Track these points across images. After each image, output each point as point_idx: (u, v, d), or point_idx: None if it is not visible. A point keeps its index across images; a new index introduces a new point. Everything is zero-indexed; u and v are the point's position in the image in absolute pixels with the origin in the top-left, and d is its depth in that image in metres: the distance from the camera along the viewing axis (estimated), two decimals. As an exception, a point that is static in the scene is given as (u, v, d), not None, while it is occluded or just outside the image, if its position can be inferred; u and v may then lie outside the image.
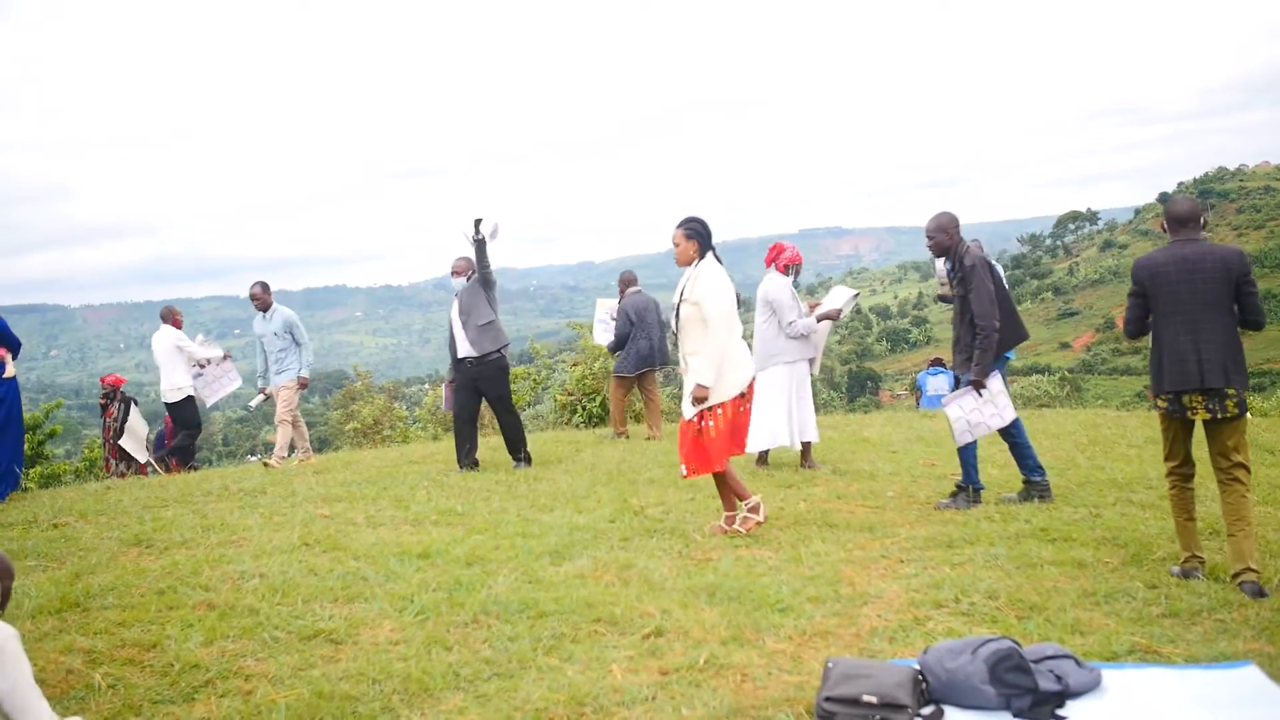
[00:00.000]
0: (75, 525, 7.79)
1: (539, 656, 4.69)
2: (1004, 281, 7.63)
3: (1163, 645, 4.66)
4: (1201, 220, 5.86)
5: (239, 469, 11.80)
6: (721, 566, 6.03)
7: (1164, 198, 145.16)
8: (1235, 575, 5.52)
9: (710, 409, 6.81)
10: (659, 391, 13.07)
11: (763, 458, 9.73)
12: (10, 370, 9.70)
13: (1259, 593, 5.35)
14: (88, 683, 4.49)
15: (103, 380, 14.89)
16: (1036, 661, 4.16)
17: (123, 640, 4.97)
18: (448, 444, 12.74)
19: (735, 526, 6.93)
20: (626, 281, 12.62)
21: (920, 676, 4.16)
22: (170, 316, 13.73)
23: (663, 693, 4.25)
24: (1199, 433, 5.90)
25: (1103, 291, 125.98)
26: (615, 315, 12.65)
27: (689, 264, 7.02)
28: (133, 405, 14.27)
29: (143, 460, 14.04)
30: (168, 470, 13.51)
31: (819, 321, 9.57)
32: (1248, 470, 5.71)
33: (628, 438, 12.53)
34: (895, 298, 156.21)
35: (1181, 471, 5.90)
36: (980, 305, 7.36)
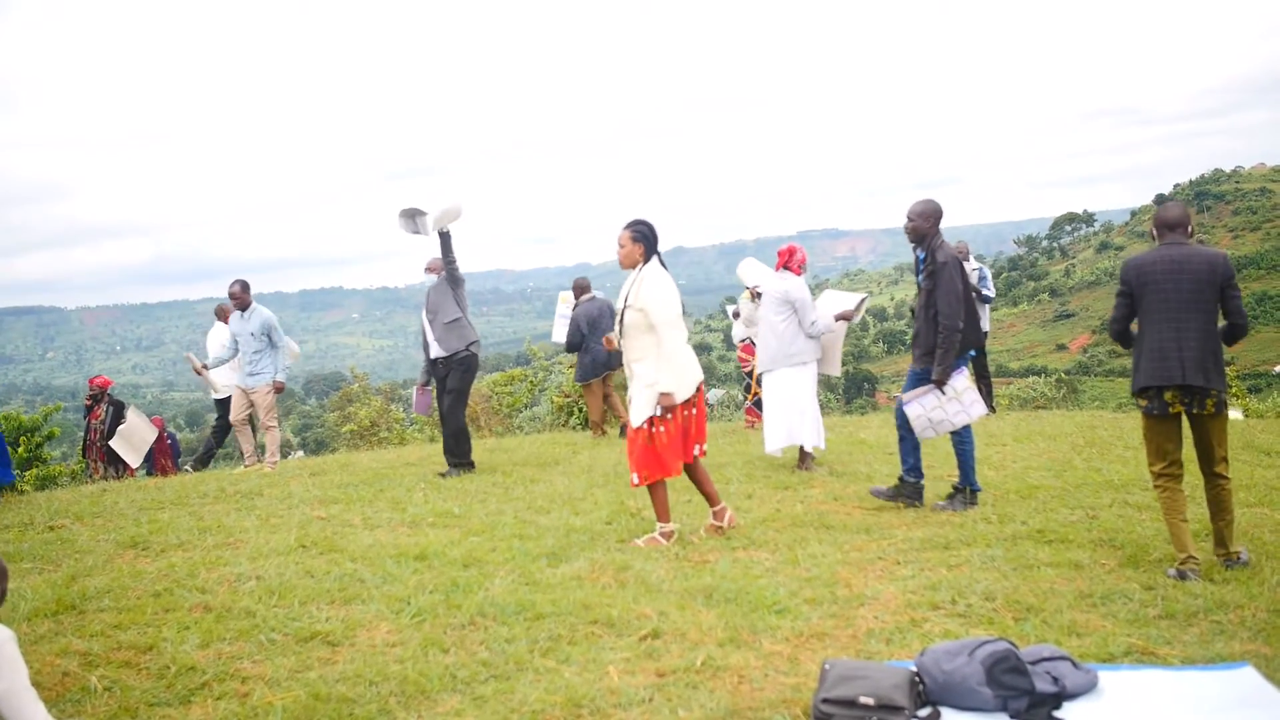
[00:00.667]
0: (71, 527, 7.79)
1: (536, 658, 4.69)
2: (970, 284, 7.62)
3: (1159, 646, 4.67)
4: (1189, 227, 6.04)
5: (236, 471, 11.78)
6: (718, 568, 6.03)
7: (1160, 199, 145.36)
8: (1218, 554, 5.96)
9: (660, 415, 6.67)
10: (614, 392, 13.18)
11: (804, 460, 9.64)
12: None
13: (1238, 561, 5.85)
14: (84, 685, 4.49)
15: (91, 381, 14.89)
16: (1033, 663, 4.17)
17: (119, 643, 4.97)
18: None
19: (651, 538, 6.79)
20: (580, 288, 12.70)
21: (917, 678, 4.16)
22: (223, 315, 13.65)
23: (659, 694, 4.25)
24: (1186, 431, 6.06)
25: (1099, 293, 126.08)
26: (567, 313, 12.74)
27: (633, 267, 6.87)
28: (129, 409, 14.26)
29: (134, 465, 14.04)
30: (163, 473, 13.52)
31: (835, 322, 9.76)
32: (1227, 464, 6.00)
33: (605, 434, 12.66)
34: (892, 299, 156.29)
35: (1169, 473, 6.01)
36: (946, 303, 7.33)
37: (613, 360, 12.28)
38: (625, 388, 7.27)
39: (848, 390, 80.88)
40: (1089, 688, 4.16)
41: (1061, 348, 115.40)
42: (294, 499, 8.69)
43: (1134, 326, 6.22)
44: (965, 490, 7.62)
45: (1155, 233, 6.12)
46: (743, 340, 12.65)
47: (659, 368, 6.63)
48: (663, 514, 6.85)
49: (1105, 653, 4.60)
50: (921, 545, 6.49)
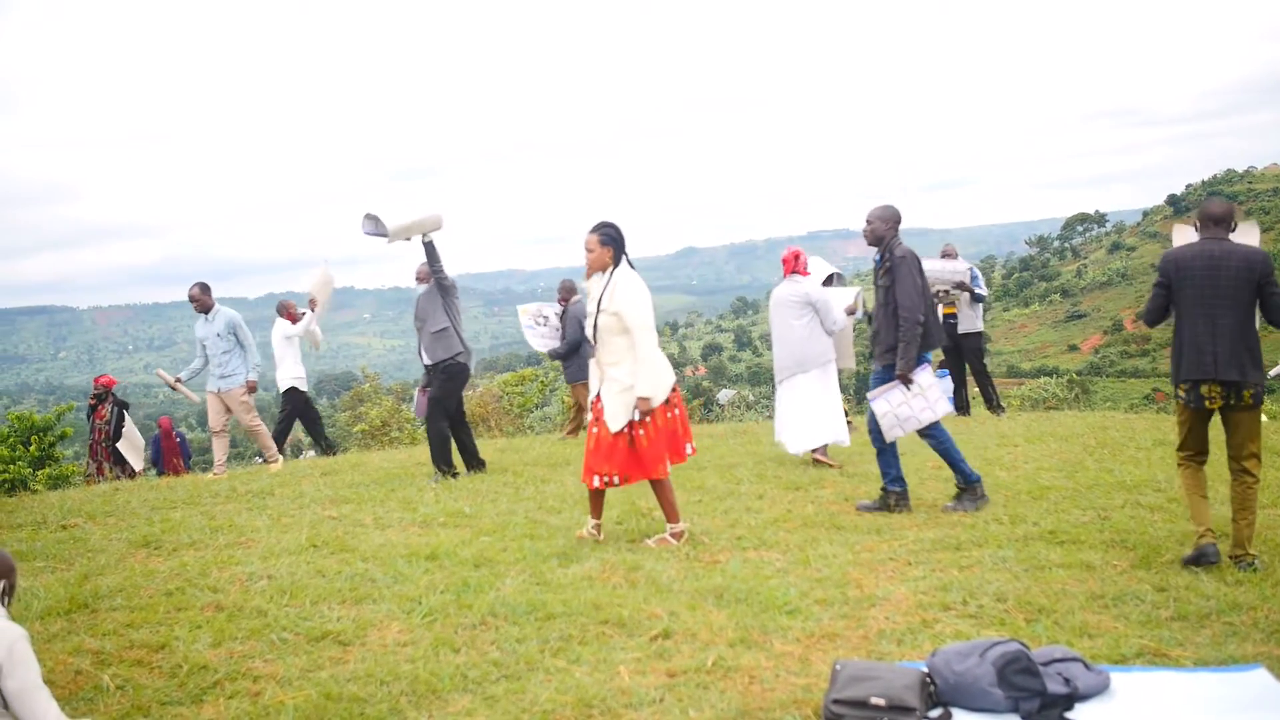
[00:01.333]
0: (84, 527, 7.82)
1: (547, 658, 4.69)
2: (928, 281, 7.64)
3: (1171, 648, 4.66)
4: (1232, 223, 6.11)
5: (247, 470, 11.81)
6: (729, 568, 6.02)
7: (1173, 200, 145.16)
8: (1232, 555, 5.91)
9: (639, 419, 6.62)
10: None
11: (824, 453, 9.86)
12: None
13: (1249, 565, 5.79)
14: (96, 684, 4.50)
15: (96, 381, 14.92)
16: (1045, 664, 4.16)
17: (131, 641, 4.99)
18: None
19: (661, 538, 6.81)
20: (569, 290, 12.70)
21: (928, 679, 4.16)
22: (284, 310, 13.98)
23: (670, 695, 4.25)
24: (1215, 422, 6.12)
25: (1111, 294, 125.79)
26: (542, 320, 12.63)
27: (602, 270, 6.77)
28: (124, 413, 14.31)
29: (139, 468, 14.10)
30: (174, 473, 13.56)
31: (846, 316, 10.13)
32: (1259, 461, 6.01)
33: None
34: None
35: (1194, 457, 6.15)
36: (906, 297, 7.33)
37: None
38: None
39: (858, 390, 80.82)
40: (1101, 689, 4.15)
41: (1073, 348, 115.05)
42: (305, 498, 8.71)
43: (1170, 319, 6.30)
44: (969, 486, 7.61)
45: (1198, 225, 6.18)
46: None
47: (636, 371, 6.58)
48: (672, 514, 6.84)
49: (1117, 654, 4.60)
50: (933, 546, 6.48)
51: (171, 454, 15.53)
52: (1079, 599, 5.34)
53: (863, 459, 9.92)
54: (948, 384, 15.65)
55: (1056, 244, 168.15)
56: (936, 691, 4.14)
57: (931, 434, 7.65)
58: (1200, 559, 5.81)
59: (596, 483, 6.69)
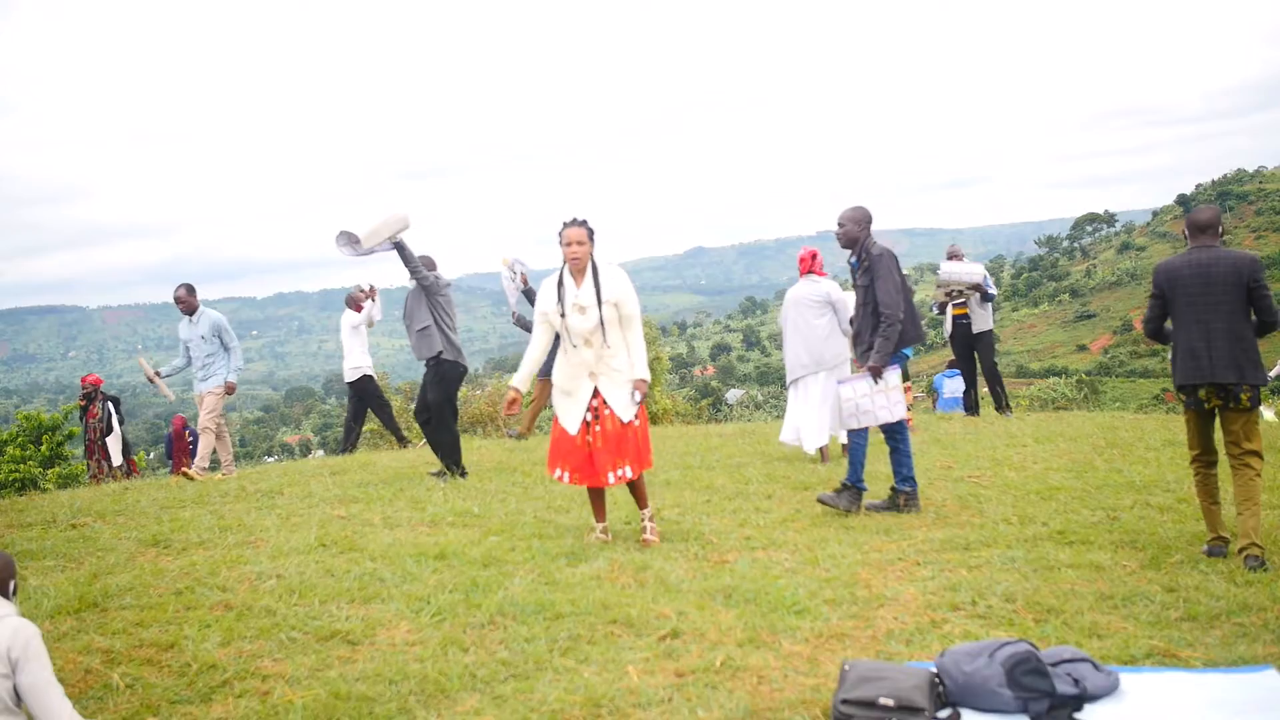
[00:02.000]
0: (93, 526, 7.83)
1: (555, 658, 4.69)
2: (908, 280, 7.65)
3: (1181, 649, 4.65)
4: (1220, 229, 6.26)
5: (256, 470, 11.82)
6: (738, 568, 6.02)
7: (1182, 200, 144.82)
8: (1240, 550, 5.97)
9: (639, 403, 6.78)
10: None
11: (824, 454, 10.10)
12: None
13: (1260, 564, 5.81)
14: (106, 682, 4.51)
15: (83, 380, 14.94)
16: (1054, 665, 4.15)
17: (140, 640, 5.00)
18: (465, 444, 12.78)
19: (653, 528, 6.92)
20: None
21: (937, 679, 4.16)
22: (353, 302, 13.90)
23: (679, 694, 4.25)
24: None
25: (1120, 294, 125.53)
26: (513, 275, 12.57)
27: (587, 264, 6.75)
28: (115, 409, 14.35)
29: (115, 464, 14.13)
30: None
31: None
32: (1259, 456, 6.17)
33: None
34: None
35: (1203, 459, 6.36)
36: (886, 294, 7.36)
37: None
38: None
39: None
40: (1110, 690, 4.14)
41: (1082, 348, 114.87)
42: (314, 498, 8.71)
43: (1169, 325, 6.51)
44: (853, 488, 7.62)
45: (1186, 234, 6.36)
46: None
47: (635, 357, 6.73)
48: (645, 500, 6.99)
49: (1126, 655, 4.59)
50: (941, 546, 6.48)
51: (183, 453, 15.56)
52: (1088, 599, 5.34)
53: (871, 459, 9.91)
54: (957, 383, 15.66)
55: (1066, 244, 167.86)
56: (945, 692, 4.14)
57: (892, 435, 7.69)
58: (1211, 555, 6.06)
59: (612, 479, 6.69)
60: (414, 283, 9.88)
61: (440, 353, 9.73)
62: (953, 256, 13.28)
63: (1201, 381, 6.16)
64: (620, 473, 6.70)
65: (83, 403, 14.58)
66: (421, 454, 11.59)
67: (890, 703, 3.89)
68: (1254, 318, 6.18)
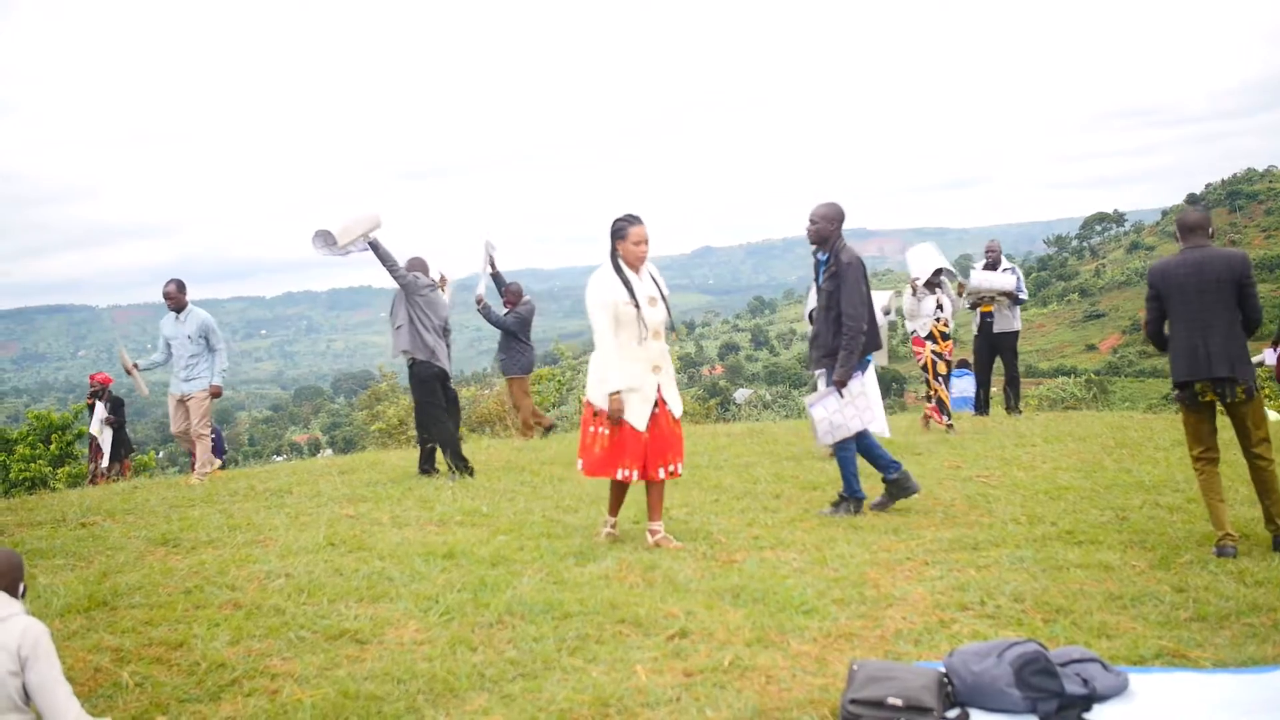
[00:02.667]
0: (103, 524, 7.85)
1: (563, 657, 4.69)
2: (870, 286, 7.62)
3: (1190, 649, 4.64)
4: (1210, 229, 6.51)
5: (265, 469, 11.84)
6: (746, 568, 6.02)
7: (1192, 199, 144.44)
8: (1270, 529, 6.32)
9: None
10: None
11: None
12: None
13: None
14: (115, 681, 4.52)
15: (92, 378, 14.92)
16: (1063, 665, 4.15)
17: (150, 639, 5.01)
18: (471, 445, 12.79)
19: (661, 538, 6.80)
20: (516, 294, 12.77)
21: (945, 679, 4.15)
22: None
23: (687, 694, 4.25)
24: (1223, 421, 6.59)
25: (1129, 293, 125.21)
26: (489, 259, 12.60)
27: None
28: (98, 406, 14.33)
29: (104, 464, 14.13)
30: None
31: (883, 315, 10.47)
32: (1269, 444, 6.39)
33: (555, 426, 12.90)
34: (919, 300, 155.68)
35: (1206, 457, 6.48)
36: (850, 304, 7.29)
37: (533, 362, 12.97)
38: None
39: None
40: (1119, 690, 4.14)
41: (1091, 348, 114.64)
42: (323, 497, 8.73)
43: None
44: (852, 499, 7.58)
45: (1178, 236, 6.62)
46: (911, 333, 12.19)
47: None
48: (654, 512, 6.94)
49: (1136, 655, 4.58)
50: (950, 546, 6.47)
51: None
52: (1097, 599, 5.33)
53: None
54: (966, 383, 15.60)
55: (1075, 243, 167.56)
56: (954, 692, 4.14)
57: (843, 443, 7.62)
58: (1221, 554, 6.10)
59: (663, 474, 6.70)
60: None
61: (408, 352, 9.79)
62: (990, 252, 13.14)
63: (1199, 377, 6.34)
64: (671, 468, 6.72)
65: (91, 401, 14.61)
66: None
67: (899, 702, 3.89)
68: (1240, 315, 6.37)
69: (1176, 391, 6.55)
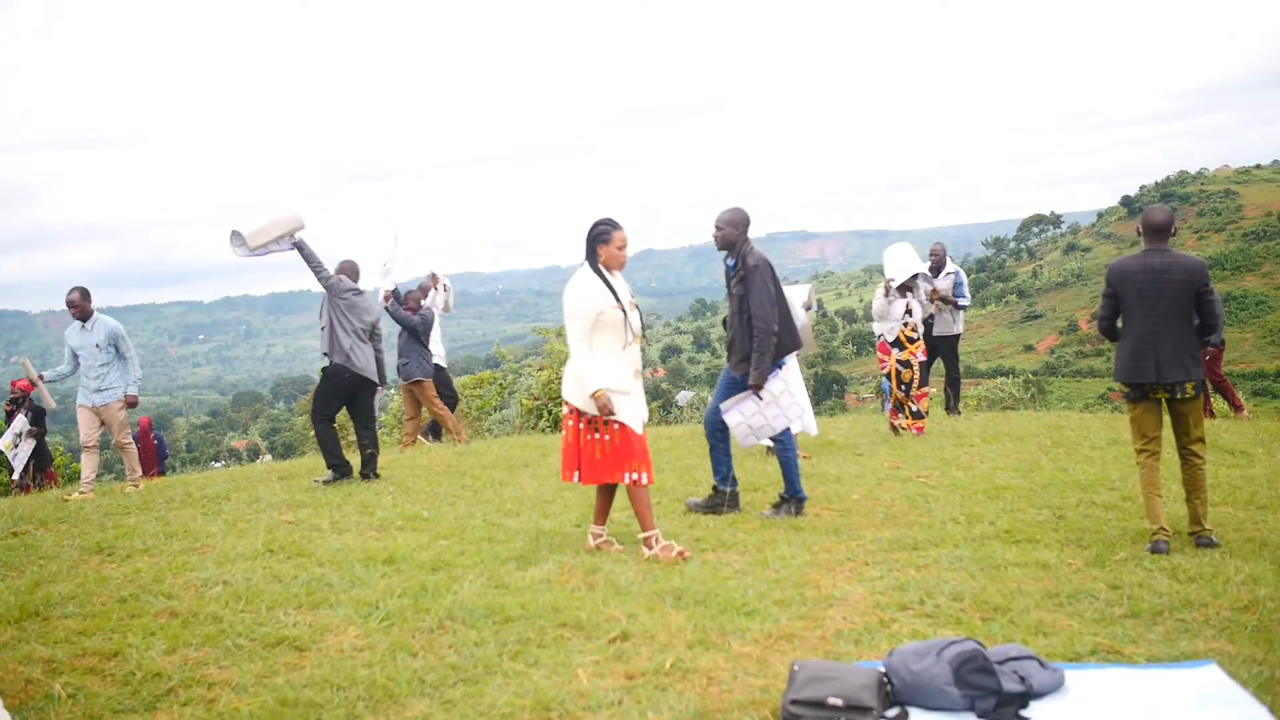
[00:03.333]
0: (35, 533, 7.72)
1: (505, 662, 4.68)
2: (782, 288, 7.64)
3: (1125, 645, 4.70)
4: (1172, 230, 6.54)
5: (203, 475, 11.71)
6: (688, 570, 6.02)
7: (1127, 201, 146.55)
8: (1192, 533, 6.47)
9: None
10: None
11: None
12: None
13: (1210, 544, 6.32)
14: (47, 692, 4.44)
15: (13, 385, 14.46)
16: (1000, 663, 4.19)
17: (83, 649, 4.92)
18: (411, 451, 12.73)
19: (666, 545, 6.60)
20: (417, 300, 12.81)
21: (885, 679, 4.18)
22: (421, 292, 14.01)
23: (628, 697, 4.24)
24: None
25: (1066, 294, 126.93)
26: (386, 263, 12.57)
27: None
28: (19, 417, 14.01)
29: (15, 477, 13.89)
30: (148, 476, 13.39)
31: (804, 311, 10.40)
32: (1204, 444, 6.60)
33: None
34: (861, 301, 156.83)
35: (1148, 450, 6.63)
36: (760, 307, 7.29)
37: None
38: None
39: (817, 391, 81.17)
40: (1055, 687, 4.18)
41: (1029, 349, 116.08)
42: (261, 503, 8.64)
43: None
44: (791, 500, 7.62)
45: (1140, 234, 6.69)
46: (879, 336, 11.96)
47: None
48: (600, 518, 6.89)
49: (1071, 652, 4.63)
50: (890, 546, 6.52)
51: (147, 454, 15.20)
52: (1034, 597, 5.39)
53: (820, 460, 9.97)
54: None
55: (1012, 245, 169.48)
56: (893, 691, 4.16)
57: (779, 440, 7.67)
58: (1155, 550, 6.23)
59: (627, 479, 6.57)
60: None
61: (326, 354, 9.78)
62: (934, 255, 13.16)
63: (1148, 381, 6.48)
64: (635, 476, 6.60)
65: (10, 408, 14.28)
66: (401, 457, 11.52)
67: (839, 702, 3.90)
68: (1196, 320, 6.48)
69: (1125, 390, 6.68)
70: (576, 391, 6.49)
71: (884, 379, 11.77)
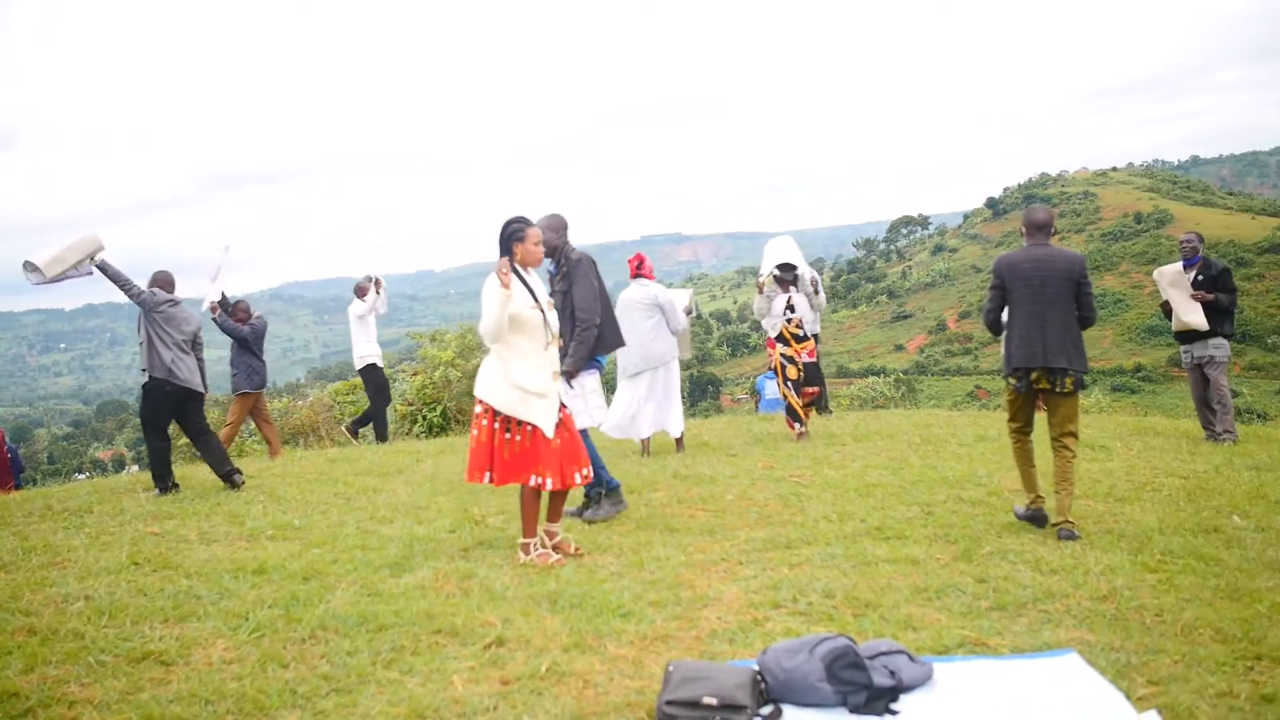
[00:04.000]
0: (-115, 551, 7.42)
1: (378, 670, 4.62)
2: (602, 282, 7.72)
3: (990, 637, 4.81)
4: (1053, 228, 7.00)
5: (64, 488, 11.35)
6: (563, 574, 6.02)
7: (991, 202, 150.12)
8: (1055, 524, 6.73)
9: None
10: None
11: (646, 446, 10.79)
12: None
13: (1072, 536, 6.55)
14: (-103, 717, 4.28)
15: None
16: (871, 658, 4.26)
17: (-64, 670, 4.75)
18: (285, 457, 12.51)
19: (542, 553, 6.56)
20: (246, 310, 12.76)
21: (759, 677, 4.22)
22: (360, 292, 14.22)
23: (504, 702, 4.22)
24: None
25: (934, 294, 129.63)
26: (215, 270, 12.48)
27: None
28: None
29: None
30: (3, 489, 12.89)
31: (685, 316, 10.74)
32: (1076, 438, 6.92)
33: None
34: (735, 303, 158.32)
35: (1022, 431, 7.13)
36: (582, 299, 7.35)
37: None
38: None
39: (692, 393, 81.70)
40: (924, 680, 4.27)
41: (899, 348, 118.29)
42: (126, 515, 8.40)
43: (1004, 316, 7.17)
44: (610, 492, 7.66)
45: (1024, 232, 7.12)
46: (767, 335, 11.74)
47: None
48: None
49: (940, 645, 4.73)
50: (764, 545, 6.59)
51: (2, 469, 14.66)
52: (904, 593, 5.49)
53: (695, 461, 10.03)
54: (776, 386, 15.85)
55: (882, 246, 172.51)
56: (767, 689, 4.20)
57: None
58: (1034, 519, 6.73)
59: (578, 479, 6.56)
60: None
61: (145, 370, 9.62)
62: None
63: (1035, 365, 6.81)
64: (584, 473, 6.60)
65: None
66: (238, 466, 11.29)
67: (713, 702, 3.93)
68: (1076, 311, 6.85)
69: (1012, 382, 6.97)
70: (493, 389, 6.40)
71: (761, 378, 11.92)
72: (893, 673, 4.21)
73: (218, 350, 16.77)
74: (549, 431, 6.41)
